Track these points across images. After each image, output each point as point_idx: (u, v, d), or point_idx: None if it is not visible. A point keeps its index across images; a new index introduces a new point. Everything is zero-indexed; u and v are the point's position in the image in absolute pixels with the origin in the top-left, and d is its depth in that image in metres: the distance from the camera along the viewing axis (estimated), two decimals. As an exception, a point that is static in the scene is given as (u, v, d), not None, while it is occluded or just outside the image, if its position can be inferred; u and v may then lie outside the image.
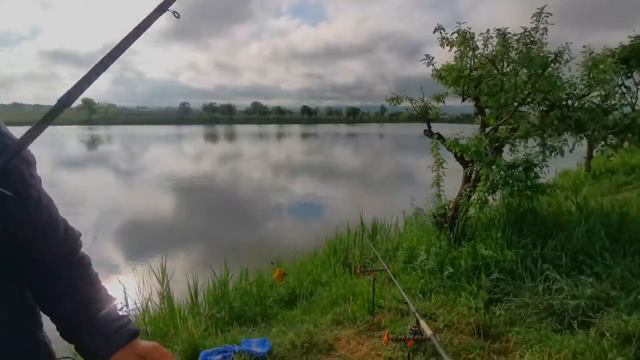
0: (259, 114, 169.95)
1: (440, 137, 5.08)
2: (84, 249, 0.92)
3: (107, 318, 0.86)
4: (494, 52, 4.72)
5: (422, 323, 2.17)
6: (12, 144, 0.76)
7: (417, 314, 2.35)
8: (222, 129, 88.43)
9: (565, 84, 4.89)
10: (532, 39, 4.48)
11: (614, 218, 4.51)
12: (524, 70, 4.58)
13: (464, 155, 4.68)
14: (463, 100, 5.14)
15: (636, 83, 10.21)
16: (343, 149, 39.95)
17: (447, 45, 4.75)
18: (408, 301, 2.63)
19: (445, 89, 5.21)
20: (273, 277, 4.35)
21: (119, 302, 4.06)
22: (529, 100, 4.82)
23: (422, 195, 6.21)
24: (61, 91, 0.72)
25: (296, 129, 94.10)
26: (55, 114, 0.71)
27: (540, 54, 4.40)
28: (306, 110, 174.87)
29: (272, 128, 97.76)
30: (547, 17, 4.40)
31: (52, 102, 0.73)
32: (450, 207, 5.08)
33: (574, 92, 5.09)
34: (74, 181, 17.90)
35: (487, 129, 5.04)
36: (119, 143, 44.52)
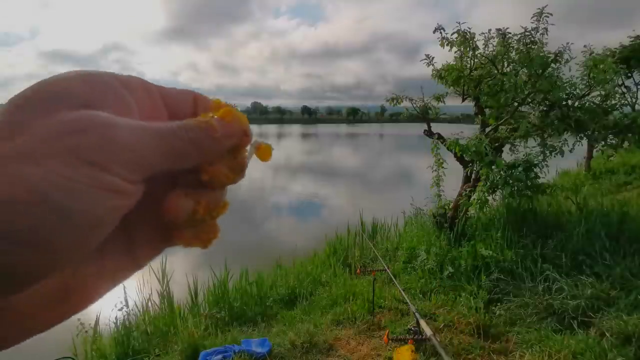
0: (259, 114, 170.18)
1: (440, 137, 5.08)
2: None
3: None
4: (494, 52, 4.72)
5: (422, 323, 2.17)
6: None
7: (417, 314, 2.35)
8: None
9: (565, 84, 4.89)
10: (532, 39, 4.48)
11: (614, 218, 4.51)
12: (524, 70, 4.58)
13: (464, 155, 4.68)
14: (463, 100, 5.14)
15: (636, 83, 10.22)
16: (343, 149, 39.94)
17: (447, 45, 4.76)
18: (408, 301, 2.63)
19: (445, 89, 5.22)
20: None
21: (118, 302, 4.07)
22: (529, 100, 4.82)
23: (422, 195, 6.20)
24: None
25: (296, 129, 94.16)
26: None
27: (541, 54, 4.40)
28: (306, 110, 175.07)
29: (272, 128, 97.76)
30: (548, 17, 4.41)
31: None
32: (450, 207, 5.08)
33: (574, 92, 5.09)
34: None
35: (487, 129, 5.04)
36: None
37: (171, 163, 0.23)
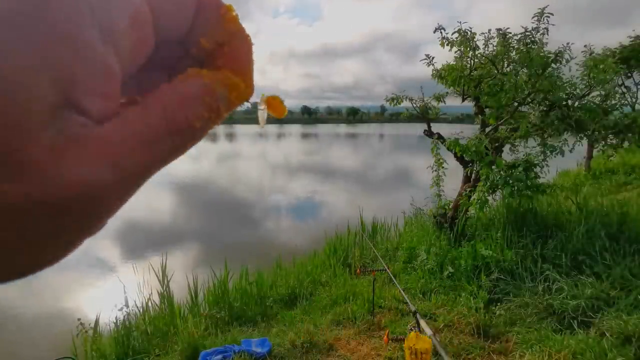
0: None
1: (440, 137, 5.08)
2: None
3: None
4: (494, 52, 4.72)
5: (422, 323, 2.16)
6: None
7: (417, 314, 2.34)
8: (222, 129, 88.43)
9: (565, 84, 4.89)
10: (532, 39, 4.48)
11: (614, 218, 4.51)
12: (524, 70, 4.58)
13: (464, 155, 4.68)
14: (463, 100, 5.14)
15: (636, 83, 10.24)
16: (343, 149, 39.95)
17: (447, 44, 4.76)
18: (408, 301, 2.62)
19: (445, 89, 5.22)
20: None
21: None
22: (529, 100, 4.82)
23: (422, 195, 6.20)
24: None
25: (296, 129, 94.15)
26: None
27: (541, 54, 4.40)
28: (306, 110, 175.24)
29: (272, 128, 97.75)
30: (548, 17, 4.41)
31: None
32: (450, 207, 5.08)
33: (574, 92, 5.09)
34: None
35: (487, 129, 5.04)
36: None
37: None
